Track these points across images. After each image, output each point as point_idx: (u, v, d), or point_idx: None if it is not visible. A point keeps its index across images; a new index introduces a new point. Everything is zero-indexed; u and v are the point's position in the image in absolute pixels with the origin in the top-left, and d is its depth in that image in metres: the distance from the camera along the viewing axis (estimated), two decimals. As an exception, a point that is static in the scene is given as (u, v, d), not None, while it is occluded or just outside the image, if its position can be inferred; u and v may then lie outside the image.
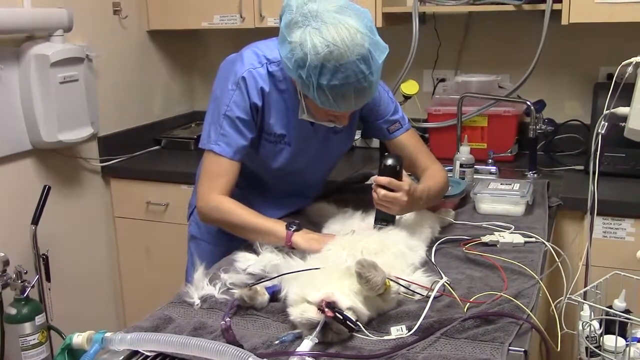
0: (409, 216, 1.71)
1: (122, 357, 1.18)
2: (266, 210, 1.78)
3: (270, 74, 1.73)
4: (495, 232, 1.72)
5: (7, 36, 2.37)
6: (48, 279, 2.44)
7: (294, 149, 1.81)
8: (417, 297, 1.38)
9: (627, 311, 1.53)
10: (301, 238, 1.62)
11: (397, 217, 1.67)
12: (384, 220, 1.65)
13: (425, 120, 2.76)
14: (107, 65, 2.82)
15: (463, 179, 2.21)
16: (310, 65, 1.50)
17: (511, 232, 1.72)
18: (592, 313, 1.52)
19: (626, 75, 1.61)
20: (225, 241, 1.84)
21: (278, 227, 1.66)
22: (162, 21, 3.00)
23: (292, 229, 1.64)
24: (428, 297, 1.34)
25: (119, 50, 2.92)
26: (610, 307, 1.53)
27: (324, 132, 1.83)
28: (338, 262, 1.38)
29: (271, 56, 1.73)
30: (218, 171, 1.74)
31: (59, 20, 2.46)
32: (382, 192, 1.60)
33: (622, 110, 1.65)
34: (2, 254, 2.25)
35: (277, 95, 1.74)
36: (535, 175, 2.44)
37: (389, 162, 1.63)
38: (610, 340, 1.47)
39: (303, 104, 1.68)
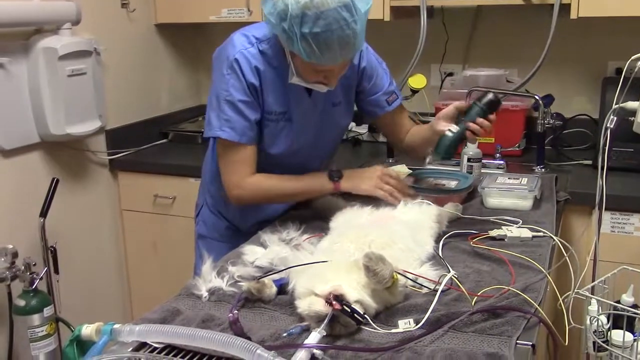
0: (415, 211, 1.72)
1: (131, 348, 1.18)
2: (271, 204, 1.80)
3: (261, 52, 1.75)
4: (502, 227, 1.71)
5: (16, 29, 2.38)
6: (56, 271, 2.46)
7: (295, 126, 1.82)
8: (425, 290, 1.37)
9: (635, 306, 1.52)
10: (347, 184, 1.79)
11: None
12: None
13: (433, 115, 2.75)
14: (115, 58, 2.83)
15: (470, 173, 2.21)
16: (292, 14, 1.53)
17: (519, 227, 1.72)
18: (600, 308, 1.52)
19: (635, 70, 1.60)
20: (235, 238, 1.85)
21: (323, 181, 1.81)
22: (170, 15, 3.00)
23: (336, 180, 1.79)
24: (435, 290, 1.34)
25: (126, 44, 2.93)
26: (618, 301, 1.52)
27: (322, 105, 1.85)
28: (346, 256, 1.38)
29: (260, 35, 1.76)
30: (236, 157, 1.77)
31: (67, 13, 2.46)
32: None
33: (631, 104, 1.64)
34: (11, 246, 2.26)
35: (271, 72, 1.76)
36: (543, 169, 2.43)
37: (493, 96, 1.80)
38: (618, 335, 1.47)
39: (292, 66, 1.69)
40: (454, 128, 1.82)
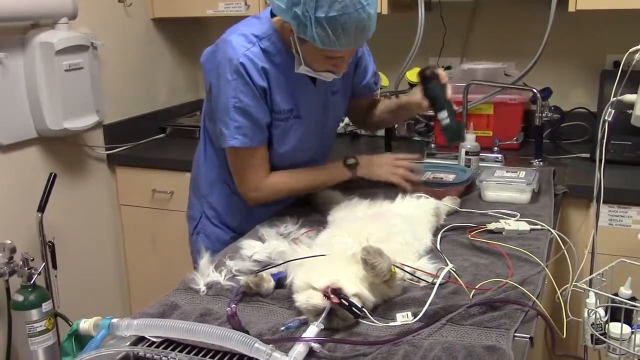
0: (414, 204, 1.72)
1: (129, 343, 1.19)
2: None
3: (263, 50, 1.70)
4: (500, 220, 1.71)
5: (12, 24, 2.37)
6: (54, 266, 2.46)
7: (304, 122, 1.80)
8: (423, 283, 1.38)
9: (632, 298, 1.52)
10: (363, 170, 1.84)
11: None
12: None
13: (431, 109, 2.75)
14: (112, 53, 2.82)
15: (469, 166, 2.21)
16: None
17: (517, 220, 1.72)
18: (598, 300, 1.52)
19: (633, 63, 1.60)
20: None
21: (340, 170, 1.84)
22: (167, 9, 2.99)
23: (352, 166, 1.85)
24: (433, 283, 1.34)
25: (123, 39, 2.92)
26: (616, 294, 1.52)
27: (324, 94, 1.83)
28: (344, 249, 1.38)
29: (259, 32, 1.71)
30: (250, 162, 1.76)
31: (63, 8, 2.45)
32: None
33: (629, 97, 1.64)
34: (9, 242, 2.26)
35: (275, 71, 1.72)
36: (541, 163, 2.43)
37: (428, 71, 1.84)
38: (615, 328, 1.47)
39: (300, 55, 1.66)
40: (445, 114, 1.83)
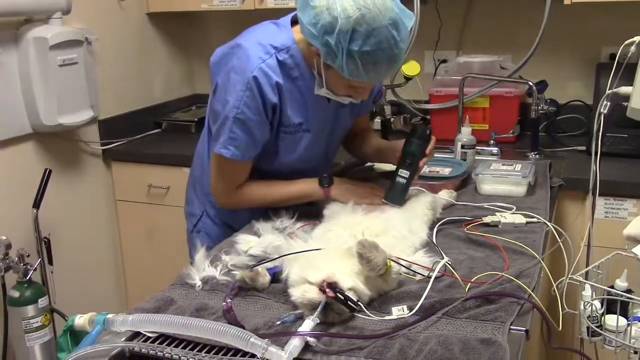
0: (410, 198, 1.72)
1: (124, 338, 1.18)
2: None
3: (280, 63, 1.64)
4: (496, 213, 1.71)
5: (6, 19, 2.36)
6: (50, 262, 2.46)
7: (313, 135, 1.77)
8: (418, 277, 1.38)
9: (628, 291, 1.52)
10: (337, 191, 1.73)
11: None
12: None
13: (427, 102, 2.75)
14: (107, 48, 2.81)
15: (464, 160, 2.21)
16: (341, 30, 1.45)
17: (513, 213, 1.72)
18: (594, 293, 1.52)
19: (629, 55, 1.59)
20: None
21: (312, 187, 1.75)
22: (162, 3, 2.98)
23: (326, 185, 1.73)
24: (429, 277, 1.34)
25: (118, 33, 2.91)
26: (612, 287, 1.52)
27: (334, 108, 1.79)
28: (339, 243, 1.38)
29: (278, 43, 1.65)
30: (232, 172, 1.73)
31: (57, 2, 2.44)
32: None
33: (624, 89, 1.63)
34: (4, 237, 2.26)
35: (291, 84, 1.67)
36: (537, 156, 2.43)
37: (423, 128, 1.78)
38: (611, 320, 1.47)
39: (323, 77, 1.61)
40: (406, 175, 1.74)
